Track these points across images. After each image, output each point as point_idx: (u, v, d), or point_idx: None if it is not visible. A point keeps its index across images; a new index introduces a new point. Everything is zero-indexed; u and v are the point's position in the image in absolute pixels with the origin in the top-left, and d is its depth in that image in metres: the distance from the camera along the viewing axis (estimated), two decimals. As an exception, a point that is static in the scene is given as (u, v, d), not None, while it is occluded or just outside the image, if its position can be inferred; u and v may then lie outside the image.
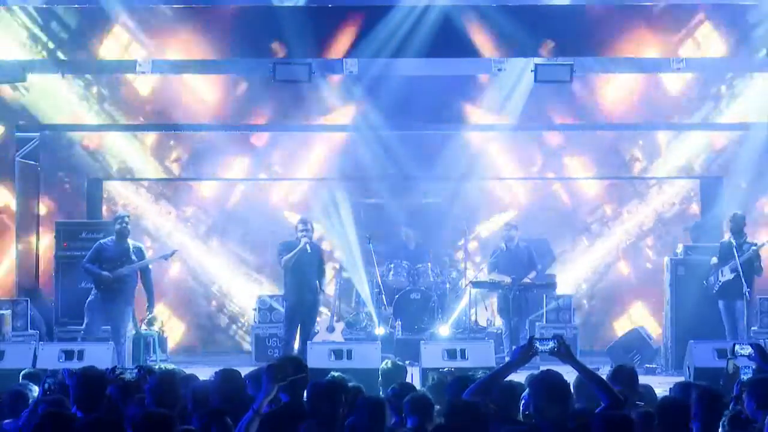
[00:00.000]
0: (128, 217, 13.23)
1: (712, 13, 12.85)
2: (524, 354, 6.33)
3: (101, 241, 13.13)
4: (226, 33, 12.95)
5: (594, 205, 17.16)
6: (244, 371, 7.43)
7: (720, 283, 13.35)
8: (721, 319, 13.37)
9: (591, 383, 6.31)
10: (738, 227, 13.37)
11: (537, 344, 6.29)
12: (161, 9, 12.93)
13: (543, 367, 6.63)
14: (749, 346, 7.69)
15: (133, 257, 12.93)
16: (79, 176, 16.27)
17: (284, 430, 5.89)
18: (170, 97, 15.35)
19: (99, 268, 12.82)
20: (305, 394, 6.49)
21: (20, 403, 7.11)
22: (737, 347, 7.81)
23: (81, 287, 13.72)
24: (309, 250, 13.19)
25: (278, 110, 15.53)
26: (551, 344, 6.27)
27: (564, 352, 6.26)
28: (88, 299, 12.99)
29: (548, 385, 6.18)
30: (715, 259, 13.46)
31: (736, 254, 13.09)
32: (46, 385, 7.17)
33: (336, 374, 8.18)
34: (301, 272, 13.23)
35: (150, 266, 13.25)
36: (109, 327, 12.86)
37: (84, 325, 12.89)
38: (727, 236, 13.59)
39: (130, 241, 13.05)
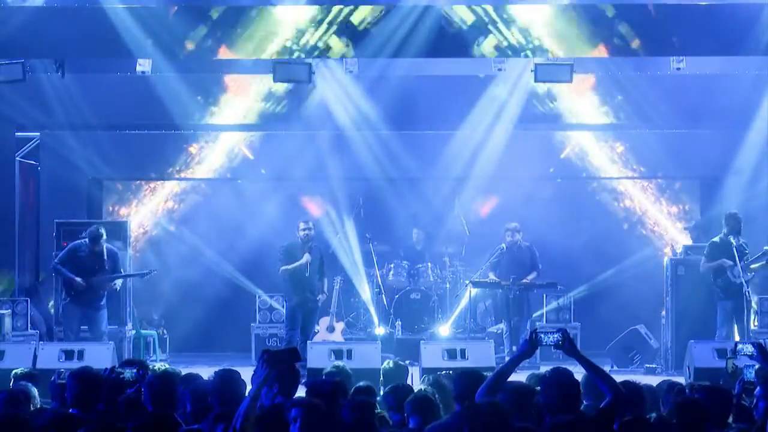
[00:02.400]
0: (102, 229, 13.17)
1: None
2: (529, 347, 6.33)
3: (76, 242, 13.14)
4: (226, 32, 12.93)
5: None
6: (244, 371, 7.42)
7: (736, 284, 13.19)
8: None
9: (595, 378, 6.32)
10: (739, 227, 13.32)
11: (542, 336, 6.29)
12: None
13: (544, 367, 6.63)
14: (751, 346, 7.71)
15: (107, 266, 12.95)
16: (79, 176, 16.27)
17: (278, 430, 5.88)
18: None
19: (71, 272, 12.87)
20: (305, 393, 6.53)
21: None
22: (740, 346, 7.83)
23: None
24: (310, 261, 13.22)
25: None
26: (556, 336, 6.27)
27: (568, 346, 6.26)
28: (62, 305, 13.10)
29: (559, 382, 6.18)
30: (728, 261, 13.25)
31: (735, 254, 13.06)
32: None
33: (340, 364, 8.24)
34: (303, 273, 13.26)
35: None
36: (86, 327, 12.95)
37: (62, 333, 12.94)
38: (728, 237, 13.41)
39: (105, 245, 13.04)
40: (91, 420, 5.92)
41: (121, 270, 13.33)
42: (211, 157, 16.61)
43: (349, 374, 7.97)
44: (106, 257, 12.97)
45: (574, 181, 17.01)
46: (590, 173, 16.91)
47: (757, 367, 7.41)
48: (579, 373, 6.46)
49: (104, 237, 13.05)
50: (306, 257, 13.22)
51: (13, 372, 8.75)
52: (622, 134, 16.52)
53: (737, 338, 12.53)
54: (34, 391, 7.46)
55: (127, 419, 6.30)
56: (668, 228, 17.13)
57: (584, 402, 6.87)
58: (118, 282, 13.17)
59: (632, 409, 6.11)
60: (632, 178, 17.00)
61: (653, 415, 6.46)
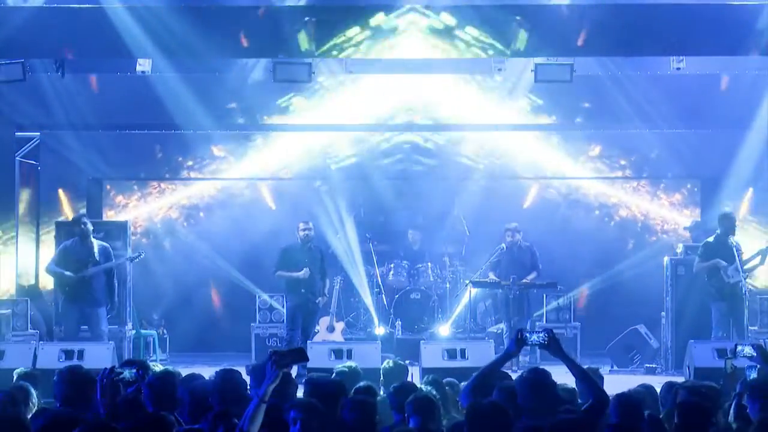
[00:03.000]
0: (86, 217, 13.21)
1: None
2: (515, 346, 6.35)
3: (65, 243, 13.15)
4: (227, 33, 12.90)
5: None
6: (245, 371, 7.44)
7: (730, 284, 13.19)
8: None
9: (578, 378, 6.32)
10: (733, 227, 13.32)
11: (528, 336, 6.29)
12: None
13: (544, 367, 6.63)
14: (751, 347, 7.71)
15: (98, 258, 12.94)
16: (79, 176, 16.26)
17: (279, 430, 5.89)
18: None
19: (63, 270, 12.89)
20: (305, 393, 6.56)
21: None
22: (739, 347, 7.82)
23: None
24: (308, 265, 13.24)
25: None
26: (542, 335, 6.27)
27: (554, 346, 6.26)
28: (60, 305, 13.08)
29: (533, 383, 6.19)
30: (722, 262, 13.24)
31: (735, 254, 13.05)
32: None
33: (352, 365, 8.27)
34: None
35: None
36: (86, 327, 12.95)
37: (63, 334, 12.93)
38: (725, 237, 13.39)
39: (94, 241, 13.06)
40: (88, 420, 5.91)
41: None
42: (227, 160, 16.68)
43: (358, 373, 8.01)
44: (96, 251, 12.97)
45: (568, 183, 17.04)
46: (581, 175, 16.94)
47: (758, 368, 7.42)
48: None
49: (88, 220, 13.09)
50: (304, 272, 13.28)
51: (14, 372, 8.75)
52: (621, 134, 16.51)
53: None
54: (33, 390, 7.45)
55: (126, 419, 6.29)
56: (677, 220, 17.14)
57: (579, 401, 6.89)
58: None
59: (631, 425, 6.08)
60: (630, 178, 17.00)
61: (647, 412, 6.46)
